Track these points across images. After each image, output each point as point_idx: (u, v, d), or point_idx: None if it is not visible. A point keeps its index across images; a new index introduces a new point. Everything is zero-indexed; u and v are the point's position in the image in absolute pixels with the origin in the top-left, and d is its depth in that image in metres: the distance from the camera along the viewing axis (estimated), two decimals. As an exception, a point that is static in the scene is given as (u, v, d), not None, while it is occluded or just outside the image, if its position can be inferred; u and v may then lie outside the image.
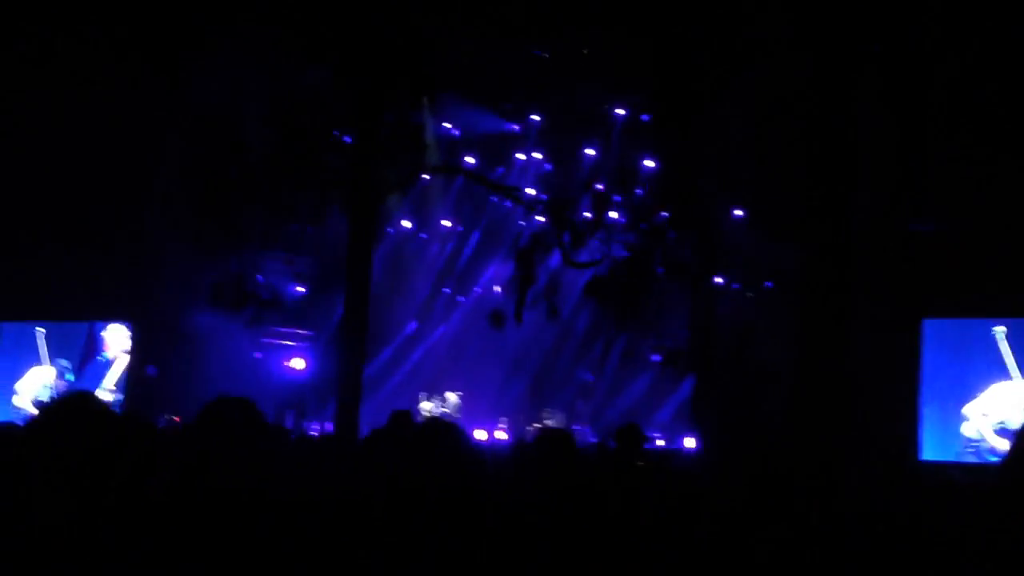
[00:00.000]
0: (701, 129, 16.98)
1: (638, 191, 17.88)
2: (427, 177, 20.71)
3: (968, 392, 16.14)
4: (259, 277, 18.01)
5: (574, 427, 19.75)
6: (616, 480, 8.08)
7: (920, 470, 14.80)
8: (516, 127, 20.07)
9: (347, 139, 15.89)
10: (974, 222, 15.78)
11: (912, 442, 15.33)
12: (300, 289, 20.72)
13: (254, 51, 15.19)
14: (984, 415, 15.85)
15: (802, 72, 14.71)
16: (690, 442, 17.66)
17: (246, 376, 19.18)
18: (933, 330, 16.36)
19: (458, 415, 18.95)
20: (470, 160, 20.11)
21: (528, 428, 18.97)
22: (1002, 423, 15.68)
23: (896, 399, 15.54)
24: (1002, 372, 15.95)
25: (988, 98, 15.42)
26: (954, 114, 15.66)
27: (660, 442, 18.38)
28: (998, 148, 15.54)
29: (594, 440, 18.53)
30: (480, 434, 18.30)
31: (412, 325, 22.44)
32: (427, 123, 18.56)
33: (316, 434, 14.57)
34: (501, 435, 18.35)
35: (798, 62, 14.77)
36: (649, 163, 18.63)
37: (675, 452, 17.43)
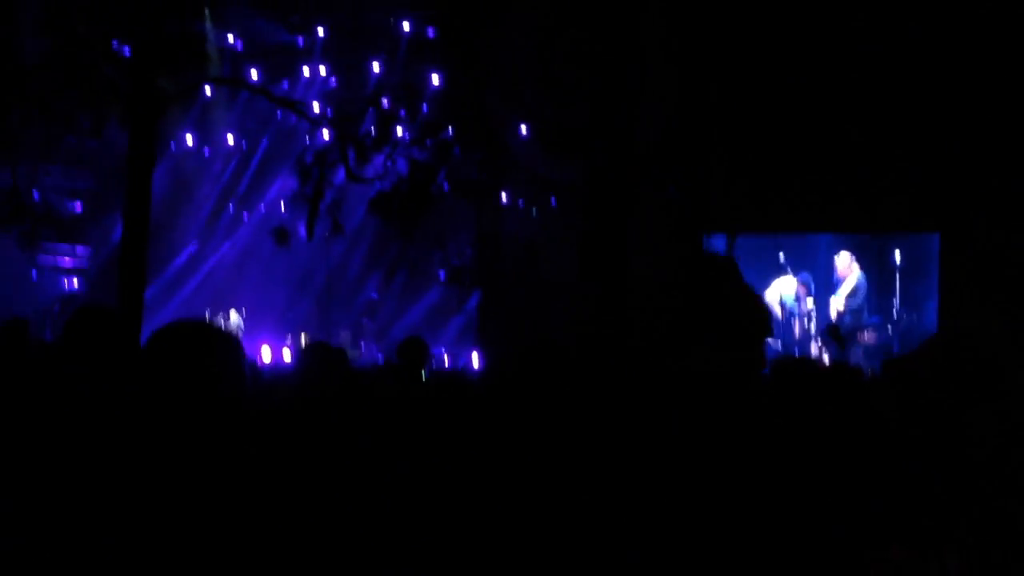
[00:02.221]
0: (486, 45, 16.96)
1: (424, 107, 17.78)
2: (210, 92, 20.25)
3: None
4: (35, 192, 17.38)
5: (361, 345, 19.73)
6: (400, 393, 8.08)
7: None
8: (301, 40, 19.72)
9: (126, 49, 15.36)
10: (756, 143, 16.17)
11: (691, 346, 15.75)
12: (78, 204, 20.15)
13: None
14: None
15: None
16: (475, 358, 17.79)
17: (21, 295, 18.62)
18: (716, 245, 16.84)
19: (240, 334, 18.69)
20: (254, 74, 19.70)
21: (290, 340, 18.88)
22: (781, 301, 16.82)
23: (676, 312, 15.86)
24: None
25: (768, 22, 15.73)
26: (736, 34, 15.95)
27: (446, 358, 18.52)
28: (780, 75, 15.91)
29: (380, 357, 18.55)
30: (266, 353, 18.13)
31: (192, 245, 22.05)
32: (209, 34, 18.11)
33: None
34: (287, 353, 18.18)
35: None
36: (435, 79, 18.54)
37: (462, 369, 17.56)
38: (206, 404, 3.11)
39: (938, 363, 4.75)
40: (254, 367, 10.72)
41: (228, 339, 3.28)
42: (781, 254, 17.00)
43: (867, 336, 16.54)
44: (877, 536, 4.42)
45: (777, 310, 16.47)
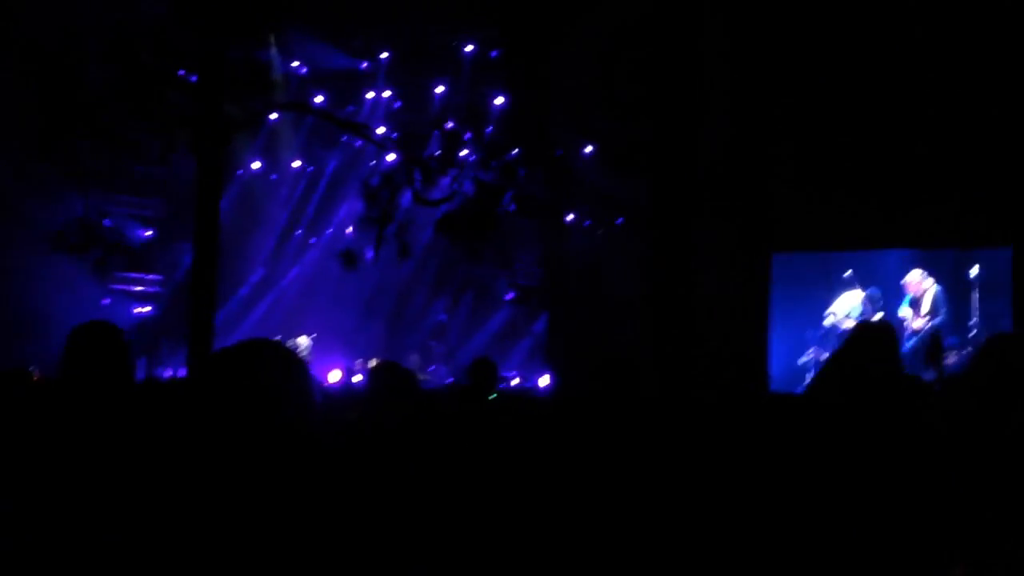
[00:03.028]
0: (549, 64, 16.99)
1: (488, 128, 17.83)
2: (276, 117, 20.43)
3: (816, 323, 16.59)
4: (105, 221, 17.59)
5: (430, 368, 19.78)
6: (469, 413, 8.08)
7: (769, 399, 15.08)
8: (365, 64, 19.86)
9: (192, 77, 15.54)
10: (822, 158, 16.03)
11: (762, 374, 15.57)
12: (148, 233, 20.36)
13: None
14: (833, 314, 16.46)
15: (648, 6, 14.82)
16: (544, 380, 17.77)
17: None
18: (782, 264, 16.63)
19: (310, 357, 18.81)
20: (319, 99, 19.86)
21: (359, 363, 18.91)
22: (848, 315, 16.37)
23: (745, 331, 15.77)
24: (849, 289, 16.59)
25: (831, 34, 15.63)
26: (799, 48, 15.86)
27: (515, 380, 18.50)
28: (844, 88, 15.78)
29: (450, 380, 18.58)
30: (335, 375, 18.22)
31: (261, 270, 22.22)
32: (274, 60, 18.29)
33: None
34: (358, 377, 18.25)
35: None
36: (499, 100, 18.59)
37: (531, 390, 17.55)
38: (268, 425, 3.09)
39: (990, 373, 4.69)
40: (323, 389, 10.77)
41: (293, 359, 3.27)
42: (850, 271, 16.59)
43: (948, 358, 15.84)
44: (946, 555, 4.39)
45: (847, 324, 16.07)
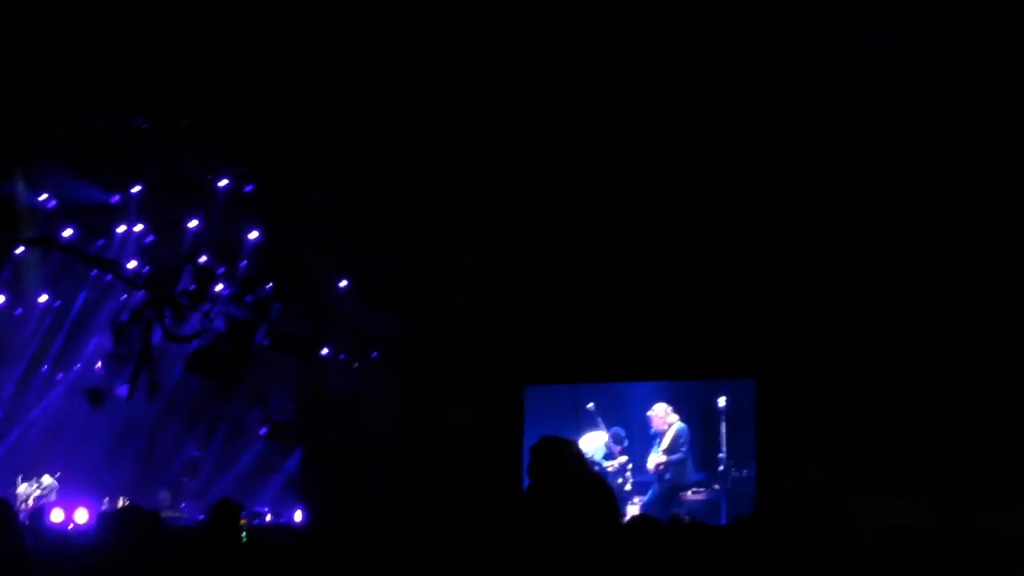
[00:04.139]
0: (304, 200, 17.04)
1: (242, 263, 17.74)
2: (22, 251, 19.88)
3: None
4: None
5: (181, 505, 19.31)
6: (209, 554, 7.94)
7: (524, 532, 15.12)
8: (117, 198, 19.53)
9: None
10: (575, 292, 16.37)
11: (516, 507, 15.60)
12: None
13: None
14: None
15: (403, 145, 15.05)
16: (298, 515, 17.54)
17: None
18: (535, 396, 16.79)
19: (54, 497, 18.14)
20: (68, 232, 19.42)
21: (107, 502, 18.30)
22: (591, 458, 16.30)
23: (500, 463, 15.85)
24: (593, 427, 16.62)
25: (587, 171, 16.08)
26: (554, 185, 16.25)
27: (268, 516, 18.20)
28: (597, 224, 16.20)
29: (201, 517, 18.15)
30: (81, 515, 17.58)
31: (0, 411, 21.41)
32: (19, 193, 17.85)
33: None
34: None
35: (400, 135, 15.10)
36: (254, 234, 18.53)
37: (284, 526, 17.27)
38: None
39: (784, 524, 4.92)
40: (53, 533, 10.40)
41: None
42: (591, 404, 16.55)
43: (691, 494, 15.99)
44: None
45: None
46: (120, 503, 17.96)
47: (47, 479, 19.30)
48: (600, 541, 4.96)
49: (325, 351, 18.86)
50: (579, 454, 5.58)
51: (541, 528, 5.09)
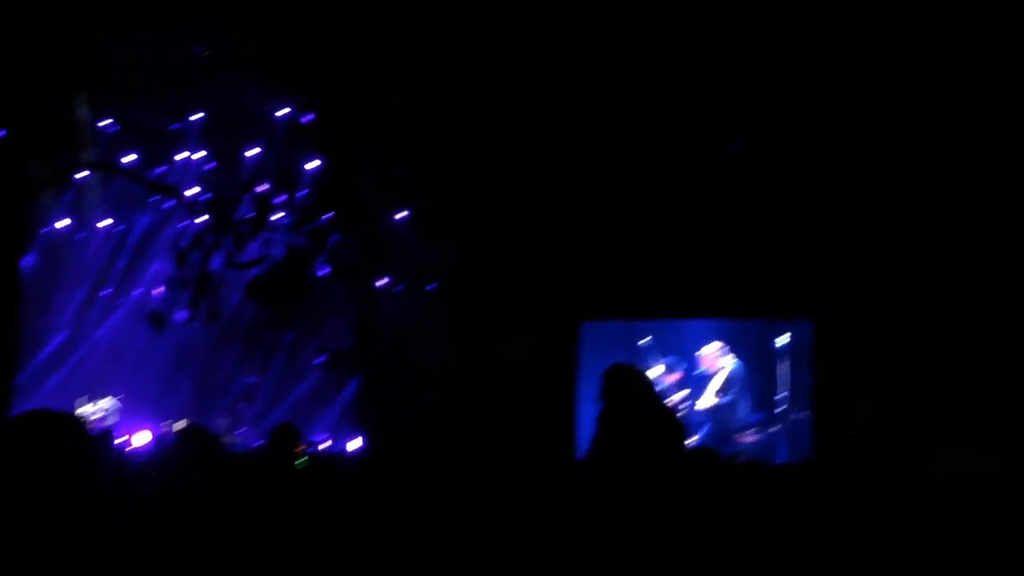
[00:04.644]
0: (363, 130, 17.06)
1: (301, 192, 17.79)
2: (85, 175, 20.06)
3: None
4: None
5: (238, 431, 19.52)
6: (270, 478, 8.05)
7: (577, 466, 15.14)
8: (178, 124, 19.64)
9: (-1, 134, 15.22)
10: (632, 227, 16.32)
11: (569, 441, 15.67)
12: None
13: None
14: None
15: (460, 76, 15.02)
16: (354, 443, 17.70)
17: None
18: (590, 332, 16.75)
19: (116, 419, 18.41)
20: (131, 158, 19.57)
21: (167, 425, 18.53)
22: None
23: (554, 398, 15.88)
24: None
25: (642, 107, 16.00)
26: (611, 119, 16.18)
27: (325, 444, 18.37)
28: (655, 159, 16.13)
29: (259, 443, 18.35)
30: (143, 437, 17.84)
31: (63, 334, 21.66)
32: (84, 119, 17.98)
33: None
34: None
35: (457, 66, 15.07)
36: (313, 164, 18.58)
37: (340, 454, 17.45)
38: (53, 495, 3.06)
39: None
40: (126, 455, 10.57)
41: (80, 430, 3.25)
42: (648, 338, 16.35)
43: (746, 435, 15.82)
44: None
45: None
46: (178, 426, 18.19)
47: (108, 401, 19.57)
48: (667, 467, 4.98)
49: (381, 282, 18.92)
50: (650, 382, 5.60)
51: (612, 451, 5.12)
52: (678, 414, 15.83)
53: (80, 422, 3.29)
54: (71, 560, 3.06)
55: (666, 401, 15.90)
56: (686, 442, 5.56)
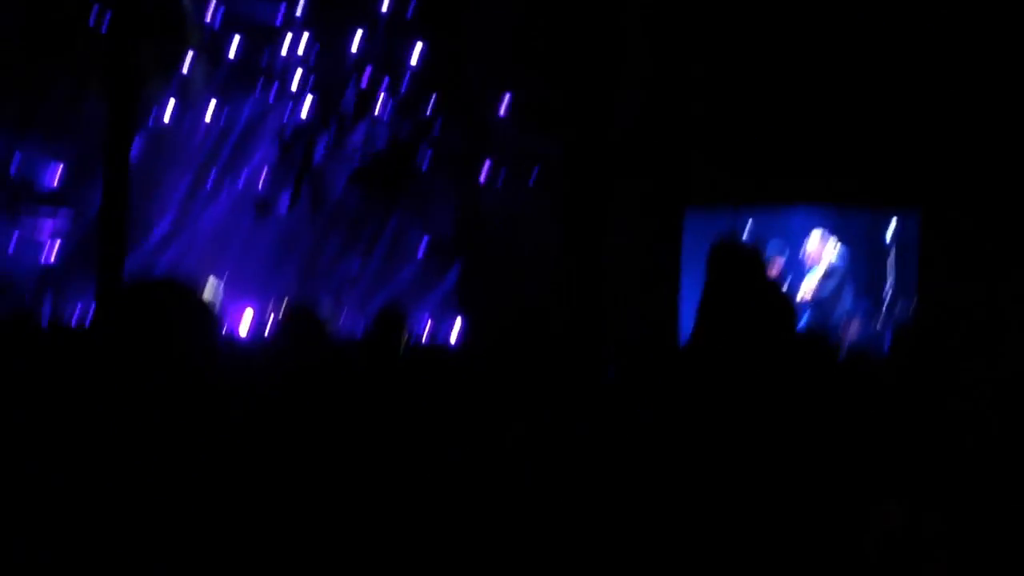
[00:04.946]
0: (469, 16, 16.94)
1: (406, 79, 17.75)
2: (190, 62, 20.19)
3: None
4: (13, 163, 17.34)
5: (342, 315, 19.73)
6: (376, 361, 8.09)
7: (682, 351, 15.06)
8: (282, 12, 19.65)
9: (105, 20, 15.32)
10: (738, 116, 16.12)
11: (672, 330, 15.61)
12: (57, 175, 20.06)
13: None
14: None
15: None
16: (456, 331, 17.84)
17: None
18: (695, 221, 16.59)
19: (221, 299, 18.72)
20: (235, 45, 19.65)
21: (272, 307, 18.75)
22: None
23: (657, 286, 15.83)
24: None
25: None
26: (716, 8, 15.95)
27: (427, 327, 18.55)
28: (760, 49, 15.88)
29: (360, 327, 18.54)
30: (246, 317, 18.16)
31: (172, 214, 21.98)
32: (189, 5, 18.05)
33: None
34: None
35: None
36: (417, 50, 18.51)
37: (442, 344, 17.58)
38: (171, 369, 3.07)
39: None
40: (232, 334, 10.73)
41: (199, 301, 3.25)
42: (750, 220, 15.95)
43: (850, 326, 15.32)
44: (878, 492, 4.58)
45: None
46: (284, 308, 18.39)
47: (211, 282, 19.88)
48: (779, 348, 4.91)
49: (485, 171, 18.90)
50: (760, 259, 5.42)
51: (718, 329, 5.03)
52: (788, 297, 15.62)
53: (205, 306, 3.28)
54: (185, 428, 3.07)
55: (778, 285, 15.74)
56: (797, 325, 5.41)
